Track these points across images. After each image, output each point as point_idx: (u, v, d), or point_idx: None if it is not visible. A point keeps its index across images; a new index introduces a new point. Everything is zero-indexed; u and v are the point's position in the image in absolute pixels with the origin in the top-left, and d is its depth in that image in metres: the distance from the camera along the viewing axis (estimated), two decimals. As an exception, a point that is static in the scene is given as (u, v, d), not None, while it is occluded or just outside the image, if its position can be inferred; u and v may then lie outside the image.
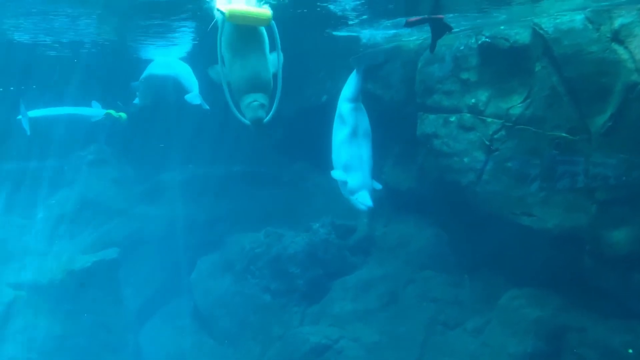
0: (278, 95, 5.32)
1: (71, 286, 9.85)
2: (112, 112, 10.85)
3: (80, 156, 11.90)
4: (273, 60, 5.31)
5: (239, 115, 5.18)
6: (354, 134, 7.95)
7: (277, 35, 5.20)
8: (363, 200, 7.55)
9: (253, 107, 5.10)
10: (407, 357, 8.77)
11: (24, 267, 9.91)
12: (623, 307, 7.15)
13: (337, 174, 7.66)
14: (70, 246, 10.62)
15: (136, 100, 10.54)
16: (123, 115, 10.90)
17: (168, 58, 10.40)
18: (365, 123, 8.14)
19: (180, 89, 9.56)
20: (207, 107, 9.28)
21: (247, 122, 5.16)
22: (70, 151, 11.90)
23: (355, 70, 8.45)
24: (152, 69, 10.25)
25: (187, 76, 9.64)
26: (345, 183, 7.67)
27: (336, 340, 8.95)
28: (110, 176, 11.75)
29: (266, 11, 5.10)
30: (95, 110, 11.09)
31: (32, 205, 11.00)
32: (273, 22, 5.12)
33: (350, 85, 8.33)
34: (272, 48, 5.32)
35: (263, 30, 5.25)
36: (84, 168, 11.74)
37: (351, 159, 7.80)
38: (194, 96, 9.30)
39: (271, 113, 5.17)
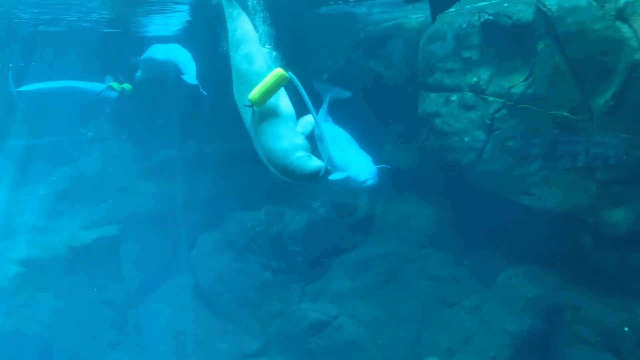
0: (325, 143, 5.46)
1: (73, 262, 9.93)
2: (114, 84, 10.85)
3: (81, 133, 11.90)
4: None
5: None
6: (335, 143, 8.04)
7: (300, 85, 5.25)
8: (366, 174, 7.63)
9: (303, 160, 5.07)
10: (405, 334, 8.88)
11: (26, 244, 9.98)
12: (620, 285, 7.21)
13: (335, 175, 7.55)
14: (71, 223, 10.68)
15: (138, 74, 10.58)
16: (127, 86, 10.91)
17: (169, 44, 10.43)
18: (342, 133, 8.45)
19: (178, 72, 9.67)
20: (204, 92, 9.35)
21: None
22: (70, 128, 11.90)
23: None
24: (152, 52, 10.34)
25: (186, 61, 9.72)
26: (347, 177, 7.72)
27: (335, 317, 9.05)
28: (110, 153, 11.75)
29: (279, 71, 5.17)
30: (97, 85, 11.11)
31: (34, 182, 11.03)
32: (291, 74, 5.20)
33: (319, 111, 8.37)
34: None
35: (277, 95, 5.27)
36: (85, 145, 11.75)
37: (342, 159, 7.94)
38: (191, 77, 9.34)
39: (326, 161, 5.11)
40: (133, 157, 11.94)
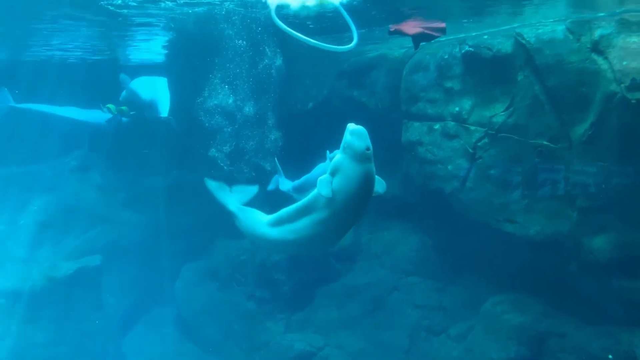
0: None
1: (52, 293, 9.71)
2: (111, 106, 10.93)
3: (64, 162, 11.77)
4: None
5: None
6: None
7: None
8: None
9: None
10: (391, 364, 8.79)
11: (5, 274, 9.74)
12: (604, 312, 7.25)
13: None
14: (52, 253, 10.46)
15: (123, 94, 10.88)
16: (124, 108, 11.02)
17: (152, 78, 10.80)
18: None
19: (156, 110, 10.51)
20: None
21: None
22: (53, 156, 11.78)
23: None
24: (135, 87, 10.87)
25: (163, 98, 10.54)
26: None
27: (321, 348, 8.94)
28: (93, 182, 11.61)
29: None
30: (97, 112, 11.29)
31: (14, 211, 10.84)
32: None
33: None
34: None
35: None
36: (67, 174, 11.62)
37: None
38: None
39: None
40: (116, 185, 11.81)
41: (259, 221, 6.43)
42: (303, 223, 5.67)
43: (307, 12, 7.46)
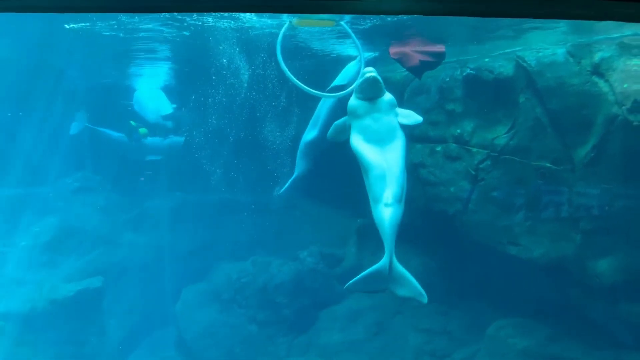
0: None
1: (53, 316, 9.63)
2: (133, 122, 11.31)
3: (66, 183, 11.81)
4: None
5: None
6: None
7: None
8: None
9: None
10: (395, 389, 8.65)
11: (5, 296, 9.69)
12: (611, 337, 7.15)
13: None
14: (53, 275, 10.42)
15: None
16: (143, 130, 11.37)
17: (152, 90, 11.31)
18: None
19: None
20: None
21: None
22: (56, 178, 11.83)
23: None
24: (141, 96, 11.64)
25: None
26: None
27: (323, 372, 8.81)
28: (96, 204, 11.64)
29: None
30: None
31: (15, 232, 10.84)
32: None
33: None
34: None
35: None
36: (69, 195, 11.64)
37: None
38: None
39: None
40: (118, 207, 11.83)
41: None
42: None
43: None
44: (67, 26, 8.01)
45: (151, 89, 11.98)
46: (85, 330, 10.01)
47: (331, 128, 6.74)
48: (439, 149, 8.28)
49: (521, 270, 7.52)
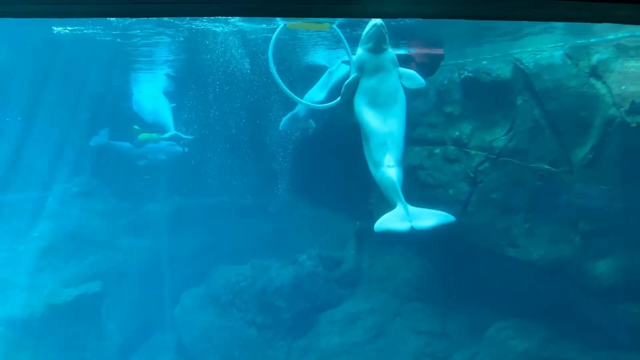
0: None
1: (51, 320, 9.60)
2: (137, 127, 11.36)
3: (65, 188, 11.79)
4: None
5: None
6: None
7: None
8: None
9: None
10: (394, 392, 8.63)
11: (4, 301, 9.66)
12: (609, 338, 7.15)
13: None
14: (52, 279, 10.40)
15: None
16: (136, 127, 11.61)
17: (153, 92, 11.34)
18: None
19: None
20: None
21: None
22: (54, 183, 11.81)
23: None
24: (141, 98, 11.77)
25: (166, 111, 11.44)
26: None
27: (323, 375, 8.79)
28: (94, 208, 11.63)
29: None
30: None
31: (15, 237, 10.82)
32: None
33: None
34: None
35: None
36: (68, 200, 11.63)
37: None
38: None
39: None
40: (117, 211, 11.82)
41: None
42: None
43: None
44: (55, 29, 8.03)
45: (150, 92, 12.05)
46: (84, 334, 9.98)
47: (343, 88, 6.69)
48: (437, 151, 8.29)
49: (520, 271, 7.52)
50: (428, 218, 6.19)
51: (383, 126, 6.36)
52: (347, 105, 6.87)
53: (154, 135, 11.32)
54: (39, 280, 10.35)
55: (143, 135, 11.27)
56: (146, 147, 11.58)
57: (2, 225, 10.78)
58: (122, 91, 12.57)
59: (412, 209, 6.16)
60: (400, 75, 6.49)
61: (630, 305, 6.76)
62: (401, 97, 6.49)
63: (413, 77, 6.49)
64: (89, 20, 7.34)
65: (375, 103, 6.43)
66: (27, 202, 11.29)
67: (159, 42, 8.86)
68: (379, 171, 6.35)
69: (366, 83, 6.46)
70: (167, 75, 12.00)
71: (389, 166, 6.23)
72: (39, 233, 10.92)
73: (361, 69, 6.46)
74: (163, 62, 10.73)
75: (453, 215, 6.35)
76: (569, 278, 7.14)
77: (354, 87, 6.50)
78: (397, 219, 6.20)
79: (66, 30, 8.07)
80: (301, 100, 7.30)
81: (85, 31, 8.15)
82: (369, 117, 6.42)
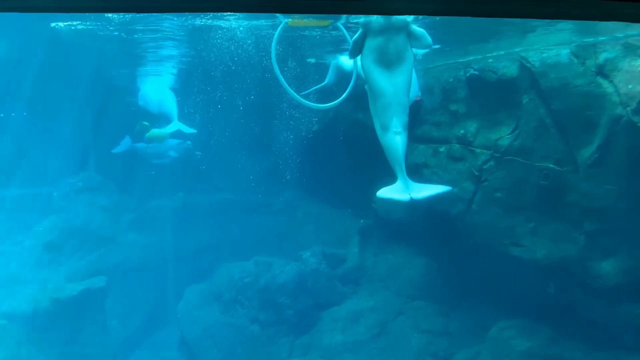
0: None
1: (56, 315, 9.64)
2: (146, 123, 11.36)
3: (70, 183, 11.83)
4: None
5: None
6: None
7: None
8: None
9: None
10: (397, 390, 8.63)
11: (9, 296, 9.70)
12: (612, 338, 7.12)
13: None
14: (56, 274, 10.44)
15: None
16: (146, 123, 11.57)
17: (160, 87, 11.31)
18: None
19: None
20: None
21: None
22: (59, 178, 11.86)
23: None
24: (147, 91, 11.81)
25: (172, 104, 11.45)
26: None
27: (325, 373, 8.79)
28: (99, 204, 11.66)
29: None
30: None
31: (20, 232, 10.87)
32: None
33: None
34: None
35: None
36: (73, 195, 11.66)
37: None
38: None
39: None
40: (122, 207, 11.85)
41: None
42: None
43: None
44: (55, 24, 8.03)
45: (156, 85, 12.09)
46: (88, 329, 10.02)
47: (351, 44, 6.61)
48: (442, 149, 8.26)
49: (524, 271, 7.49)
50: (426, 189, 6.39)
51: (390, 86, 6.31)
52: (355, 63, 6.97)
53: (162, 133, 11.26)
54: (44, 275, 10.39)
55: (151, 133, 11.26)
56: (161, 145, 11.60)
57: (7, 220, 10.82)
58: (128, 87, 12.57)
59: (412, 183, 6.31)
60: (409, 34, 6.36)
61: (635, 305, 6.73)
62: (409, 56, 6.39)
63: (422, 36, 6.34)
64: (92, 15, 7.34)
65: (383, 61, 6.33)
66: (32, 197, 11.34)
67: (164, 38, 8.86)
68: (386, 135, 6.37)
69: (374, 41, 6.35)
70: (172, 73, 12.04)
71: (395, 132, 6.24)
72: (44, 228, 10.97)
73: (367, 25, 6.34)
74: (169, 58, 10.72)
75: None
76: (573, 278, 7.11)
77: (360, 43, 6.39)
78: (398, 190, 6.39)
79: (70, 26, 8.07)
80: (301, 100, 7.21)
81: (90, 26, 8.16)
82: (376, 76, 6.37)
